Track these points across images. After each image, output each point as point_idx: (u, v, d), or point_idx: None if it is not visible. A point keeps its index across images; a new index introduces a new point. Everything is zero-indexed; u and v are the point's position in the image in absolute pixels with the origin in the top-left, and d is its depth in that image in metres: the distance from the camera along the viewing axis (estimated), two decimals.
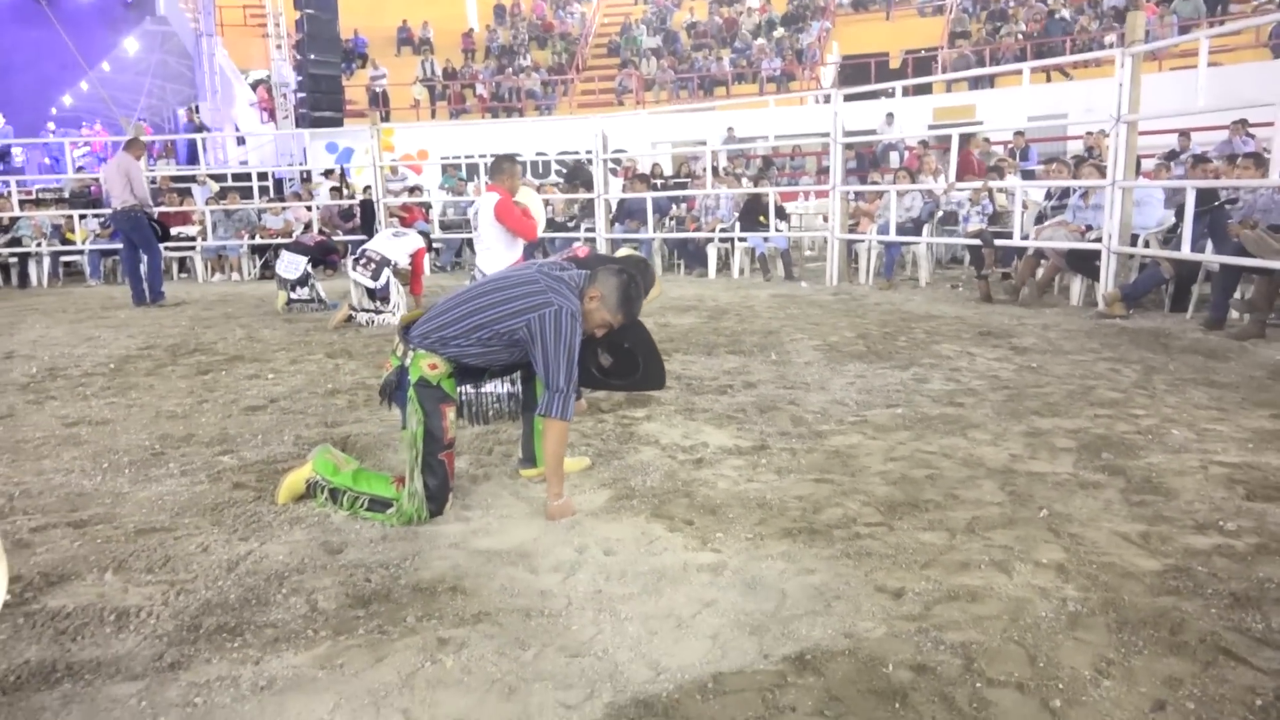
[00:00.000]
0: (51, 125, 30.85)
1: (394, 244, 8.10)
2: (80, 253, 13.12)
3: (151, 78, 32.68)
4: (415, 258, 8.25)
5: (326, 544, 2.97)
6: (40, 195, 16.15)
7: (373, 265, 7.88)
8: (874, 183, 11.25)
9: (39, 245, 12.90)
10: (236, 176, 18.78)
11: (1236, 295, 6.28)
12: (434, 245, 12.04)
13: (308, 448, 4.07)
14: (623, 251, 5.49)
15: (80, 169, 19.28)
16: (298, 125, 21.79)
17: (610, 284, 3.20)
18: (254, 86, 27.17)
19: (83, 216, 13.24)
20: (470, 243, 13.55)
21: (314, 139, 21.70)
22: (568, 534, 3.00)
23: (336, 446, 4.00)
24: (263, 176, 18.64)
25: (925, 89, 20.46)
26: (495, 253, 6.11)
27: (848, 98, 9.56)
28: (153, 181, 13.35)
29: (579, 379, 3.29)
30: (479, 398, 3.44)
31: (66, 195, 16.41)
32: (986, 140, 14.57)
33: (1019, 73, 19.38)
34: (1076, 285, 7.82)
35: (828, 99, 9.78)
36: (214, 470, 3.80)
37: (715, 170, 11.26)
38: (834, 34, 24.99)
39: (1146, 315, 7.01)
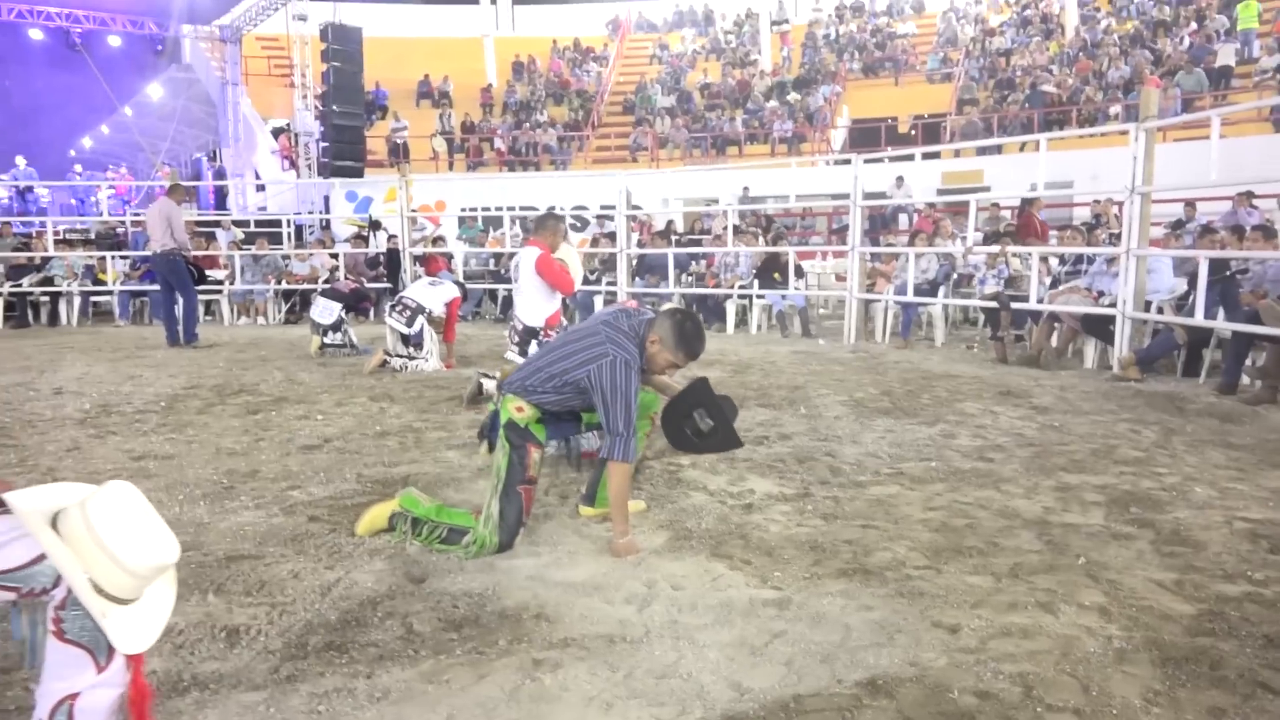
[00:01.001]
0: (79, 168, 31.38)
1: (430, 292, 8.37)
2: (110, 293, 13.41)
3: (174, 124, 33.33)
4: (450, 306, 8.50)
5: (409, 573, 3.17)
6: (67, 236, 16.49)
7: (408, 312, 8.14)
8: (890, 244, 11.56)
9: (70, 285, 13.19)
10: (260, 223, 19.18)
11: (1248, 362, 6.51)
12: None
13: (371, 485, 4.29)
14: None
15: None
16: (320, 174, 22.25)
17: (667, 326, 3.45)
18: (275, 134, 27.75)
19: (115, 258, 13.54)
20: (491, 294, 13.92)
21: (336, 188, 22.19)
22: (635, 570, 3.20)
23: (395, 485, 4.23)
24: (274, 224, 19.03)
25: (934, 154, 20.96)
26: (534, 304, 6.37)
27: (866, 160, 9.89)
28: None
29: (675, 443, 3.57)
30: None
31: (93, 236, 16.79)
32: (996, 206, 14.97)
33: (1028, 140, 19.91)
34: (1090, 349, 8.06)
35: (848, 161, 10.07)
36: (286, 504, 4.00)
37: (737, 228, 11.56)
38: (844, 98, 25.63)
39: (1160, 379, 7.24)
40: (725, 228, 11.66)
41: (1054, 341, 8.29)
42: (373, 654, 2.57)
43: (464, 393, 6.42)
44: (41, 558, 1.76)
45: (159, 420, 5.87)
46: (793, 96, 25.43)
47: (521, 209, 20.19)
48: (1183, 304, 7.63)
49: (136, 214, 18.35)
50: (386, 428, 5.61)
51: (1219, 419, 5.72)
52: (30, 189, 23.92)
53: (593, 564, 3.28)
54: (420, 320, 8.14)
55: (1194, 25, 22.23)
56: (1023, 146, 19.34)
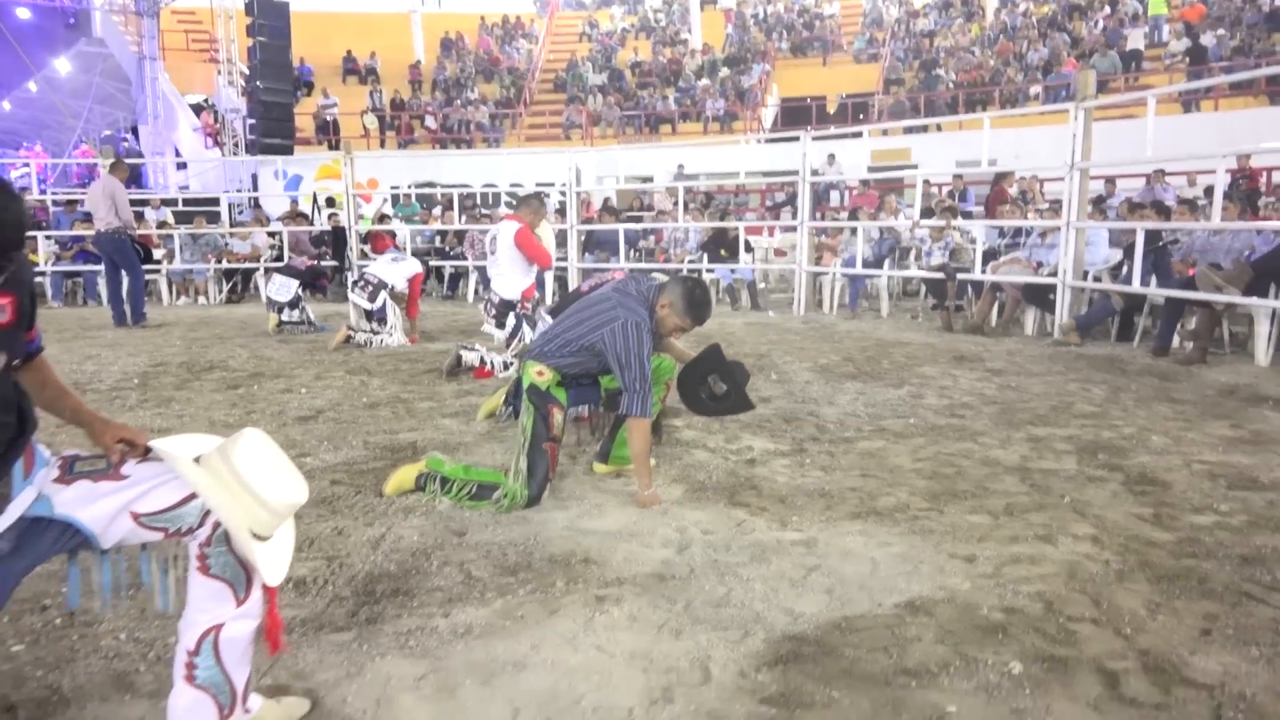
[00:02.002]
0: None
1: (392, 268, 8.40)
2: (42, 274, 13.00)
3: (88, 100, 32.05)
4: (412, 282, 8.54)
5: (449, 527, 3.33)
6: None
7: (370, 288, 8.16)
8: (833, 219, 11.93)
9: None
10: (188, 201, 18.71)
11: (1179, 326, 7.00)
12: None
13: (380, 451, 4.41)
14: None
15: (23, 189, 18.92)
16: (249, 152, 21.75)
17: (677, 292, 3.66)
18: (197, 111, 26.95)
19: (48, 238, 13.12)
20: (437, 271, 13.90)
21: (263, 166, 21.73)
22: (662, 519, 3.41)
23: (404, 451, 4.36)
24: (212, 202, 18.59)
25: (857, 133, 21.48)
26: (511, 278, 6.49)
27: (815, 138, 10.20)
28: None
29: (692, 406, 3.79)
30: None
31: None
32: (927, 182, 15.48)
33: (953, 120, 20.53)
34: (1030, 316, 8.51)
35: (795, 139, 10.38)
36: (303, 469, 4.07)
37: (686, 204, 11.78)
38: (774, 76, 26.02)
39: (1097, 344, 7.71)
40: (675, 203, 11.86)
41: (994, 310, 8.74)
42: (440, 597, 2.74)
43: (443, 365, 6.52)
44: (188, 499, 1.88)
45: (139, 396, 5.85)
46: (725, 74, 25.68)
47: (456, 186, 20.09)
48: (1116, 273, 8.12)
49: (57, 193, 17.75)
50: (374, 399, 5.70)
51: (1158, 377, 6.16)
52: None
53: (621, 514, 3.47)
54: (383, 295, 8.17)
55: (1107, 9, 23.14)
56: (941, 125, 19.93)
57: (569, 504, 3.61)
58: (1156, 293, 7.07)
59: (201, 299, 13.19)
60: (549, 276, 11.17)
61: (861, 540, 3.14)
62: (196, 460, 1.92)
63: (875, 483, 3.82)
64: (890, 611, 2.59)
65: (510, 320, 6.49)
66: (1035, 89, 20.86)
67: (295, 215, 15.31)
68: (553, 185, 19.94)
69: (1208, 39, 19.78)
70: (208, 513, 1.89)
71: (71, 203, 14.58)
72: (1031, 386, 5.88)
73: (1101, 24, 22.65)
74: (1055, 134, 16.13)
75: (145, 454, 1.96)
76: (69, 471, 1.90)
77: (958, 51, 23.76)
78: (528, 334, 6.54)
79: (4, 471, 1.79)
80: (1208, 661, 2.26)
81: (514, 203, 6.94)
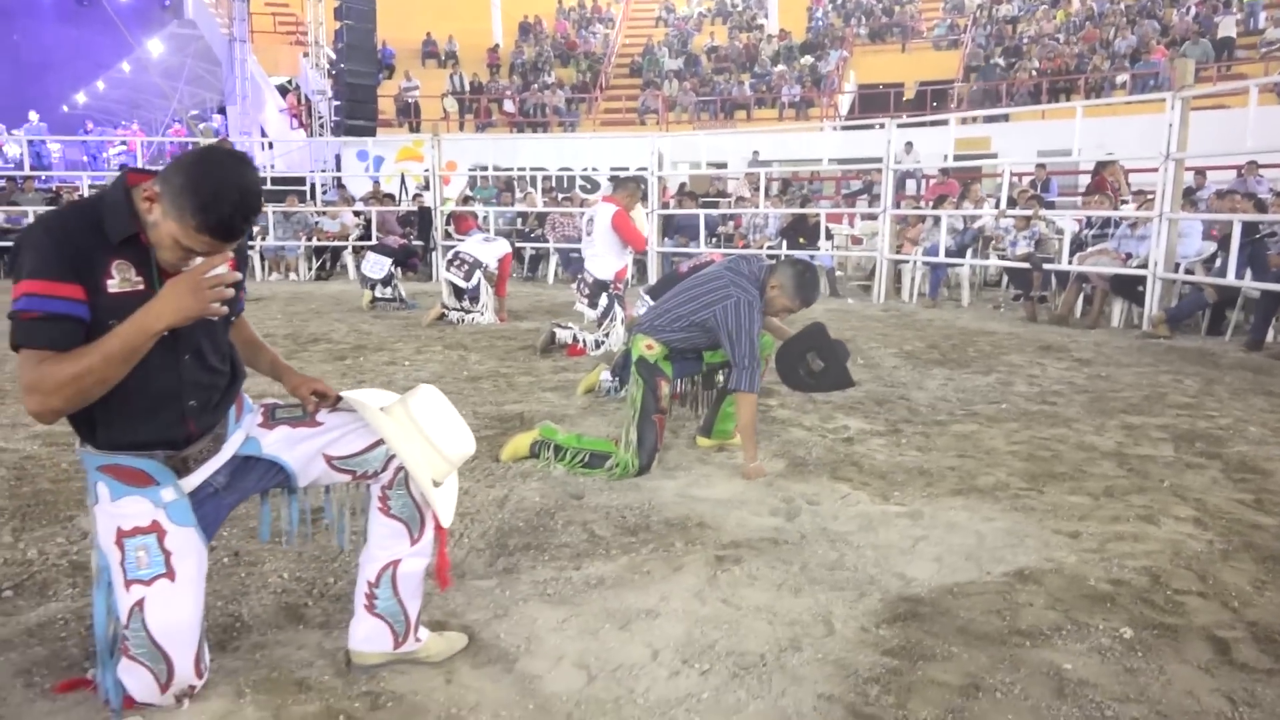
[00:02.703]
0: (90, 125, 31.20)
1: (485, 248, 8.65)
2: None
3: (180, 81, 33.12)
4: (503, 262, 8.79)
5: (567, 491, 3.53)
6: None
7: (465, 266, 8.43)
8: (911, 207, 11.88)
9: None
10: (276, 180, 19.32)
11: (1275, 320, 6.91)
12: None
13: (489, 420, 4.63)
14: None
15: (123, 166, 19.72)
16: (333, 133, 22.31)
17: (788, 274, 3.79)
18: (283, 93, 27.68)
19: None
20: (518, 253, 14.17)
21: (346, 147, 22.25)
22: (768, 490, 3.57)
23: (511, 421, 4.58)
24: (299, 181, 19.14)
25: (942, 120, 21.23)
26: (606, 259, 6.69)
27: (900, 125, 10.19)
28: None
29: (790, 382, 3.94)
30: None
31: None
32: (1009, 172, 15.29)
33: (1036, 109, 20.15)
34: (1118, 308, 8.44)
35: (879, 125, 10.38)
36: None
37: (767, 191, 11.86)
38: (851, 63, 25.80)
39: (1186, 337, 7.63)
40: (755, 189, 11.94)
41: (1080, 301, 8.67)
42: (569, 552, 2.93)
43: (537, 342, 6.74)
44: (374, 445, 2.10)
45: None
46: (801, 61, 25.54)
47: (532, 170, 20.33)
48: (1209, 265, 8.01)
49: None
50: (474, 373, 5.93)
51: (1252, 371, 6.11)
52: (43, 143, 23.87)
53: (728, 485, 3.64)
54: (478, 275, 8.43)
55: None
56: (1043, 114, 19.57)
57: (677, 474, 3.79)
58: (1252, 286, 6.98)
59: (292, 275, 13.66)
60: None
61: (965, 515, 3.27)
62: (381, 410, 2.13)
63: (973, 463, 3.92)
64: (999, 579, 2.71)
65: (603, 300, 6.69)
66: (1122, 77, 20.37)
67: (379, 195, 15.72)
68: (627, 170, 20.14)
69: None
70: (391, 458, 2.10)
71: None
72: (1122, 377, 5.89)
73: (1193, 10, 21.98)
74: (1143, 124, 15.87)
75: (335, 404, 2.18)
76: (271, 418, 2.13)
77: (1042, 38, 23.28)
78: (619, 314, 6.73)
79: (222, 416, 2.03)
80: None
81: (612, 185, 7.14)
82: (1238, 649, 2.28)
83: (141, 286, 1.83)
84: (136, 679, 1.96)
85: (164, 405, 1.92)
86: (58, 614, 2.47)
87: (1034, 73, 21.96)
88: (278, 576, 2.72)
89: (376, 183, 19.11)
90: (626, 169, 20.11)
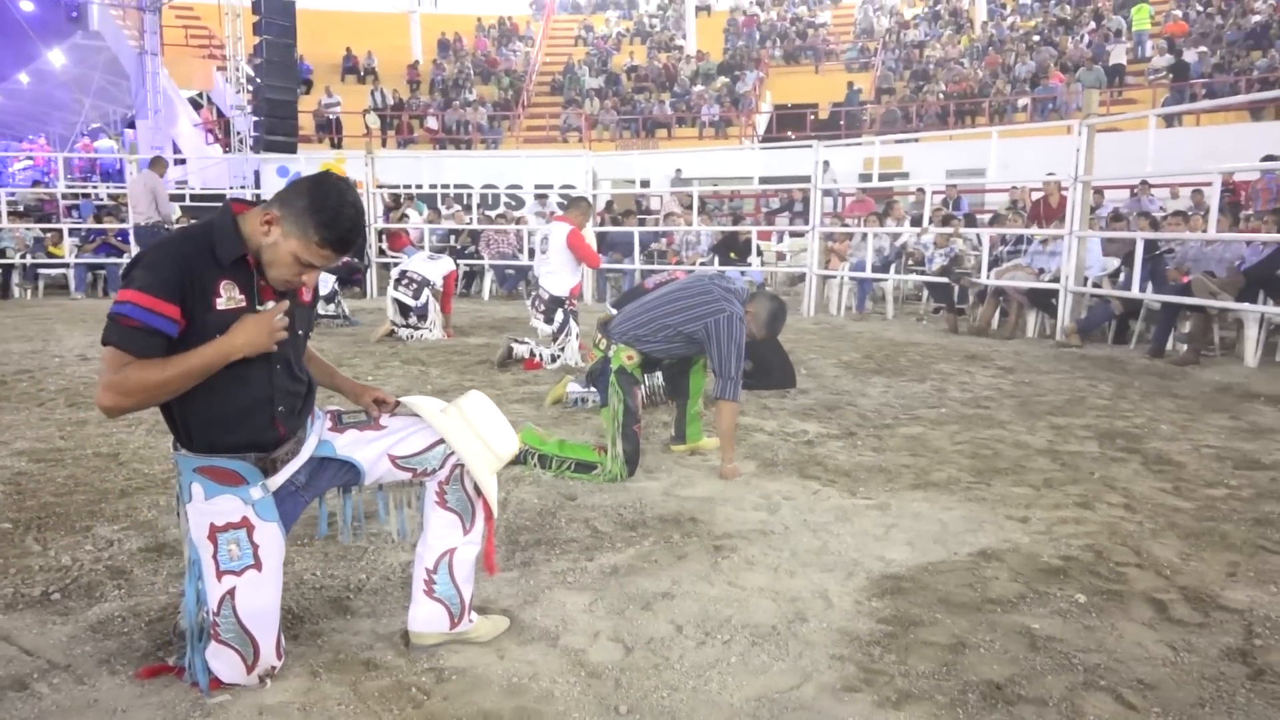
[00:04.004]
0: None
1: (431, 266, 8.81)
2: (65, 267, 13.28)
3: (89, 95, 32.09)
4: (448, 279, 8.96)
5: (561, 493, 3.79)
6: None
7: (414, 285, 8.57)
8: (833, 224, 12.43)
9: (22, 257, 13.04)
10: (195, 197, 19.01)
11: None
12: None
13: None
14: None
15: (36, 183, 19.14)
16: (253, 149, 22.01)
17: (765, 306, 4.13)
18: (196, 107, 27.16)
19: (73, 231, 13.39)
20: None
21: (266, 163, 21.96)
22: (746, 488, 3.88)
23: None
24: (218, 199, 18.86)
25: (855, 140, 22.07)
26: (559, 276, 6.96)
27: (829, 144, 10.71)
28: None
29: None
30: (650, 387, 4.33)
31: (22, 209, 16.39)
32: (921, 190, 16.05)
33: (944, 130, 21.10)
34: (1032, 319, 9.05)
35: (804, 145, 10.89)
36: None
37: (701, 207, 12.26)
38: (767, 83, 26.58)
39: (1096, 346, 8.25)
40: (688, 207, 12.33)
41: (996, 314, 9.27)
42: (578, 546, 3.19)
43: (495, 356, 6.95)
44: (433, 445, 2.33)
45: None
46: (720, 82, 26.20)
47: (456, 187, 20.40)
48: (1114, 280, 8.66)
49: (77, 187, 17.96)
50: (438, 386, 6.12)
51: (1158, 376, 6.69)
52: None
53: (708, 485, 3.94)
54: (426, 293, 8.59)
55: (1092, 25, 23.87)
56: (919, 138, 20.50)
57: (659, 475, 4.08)
58: (1154, 298, 7.62)
59: None
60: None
61: (926, 505, 3.63)
62: (441, 413, 2.37)
63: (925, 461, 4.31)
64: (966, 559, 3.07)
65: (558, 315, 6.95)
66: (1023, 101, 21.50)
67: None
68: (551, 188, 20.41)
69: (1190, 55, 20.49)
70: (448, 456, 2.34)
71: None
72: (1044, 382, 6.39)
73: (1087, 39, 23.37)
74: (1041, 145, 16.85)
75: (394, 409, 2.41)
76: (339, 422, 2.36)
77: (947, 63, 24.40)
78: (574, 329, 7.00)
79: (304, 420, 2.25)
80: (1235, 594, 2.76)
81: (564, 204, 7.39)
82: (1173, 608, 2.67)
83: (243, 304, 2.06)
84: (224, 661, 2.15)
85: (258, 411, 2.13)
86: (113, 613, 2.62)
87: (941, 95, 23.00)
88: (311, 574, 2.91)
89: (257, 200, 18.97)
90: (551, 186, 20.40)
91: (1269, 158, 10.73)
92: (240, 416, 2.11)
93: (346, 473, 2.32)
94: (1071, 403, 5.68)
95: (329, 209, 2.00)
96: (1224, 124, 18.53)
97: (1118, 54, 22.01)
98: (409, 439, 2.33)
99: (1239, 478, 4.03)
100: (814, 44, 28.03)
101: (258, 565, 2.14)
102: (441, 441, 2.33)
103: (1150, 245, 7.90)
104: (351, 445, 2.31)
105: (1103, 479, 4.01)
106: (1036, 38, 24.31)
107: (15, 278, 12.98)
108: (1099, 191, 15.01)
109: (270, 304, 2.10)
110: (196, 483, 2.12)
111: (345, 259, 10.78)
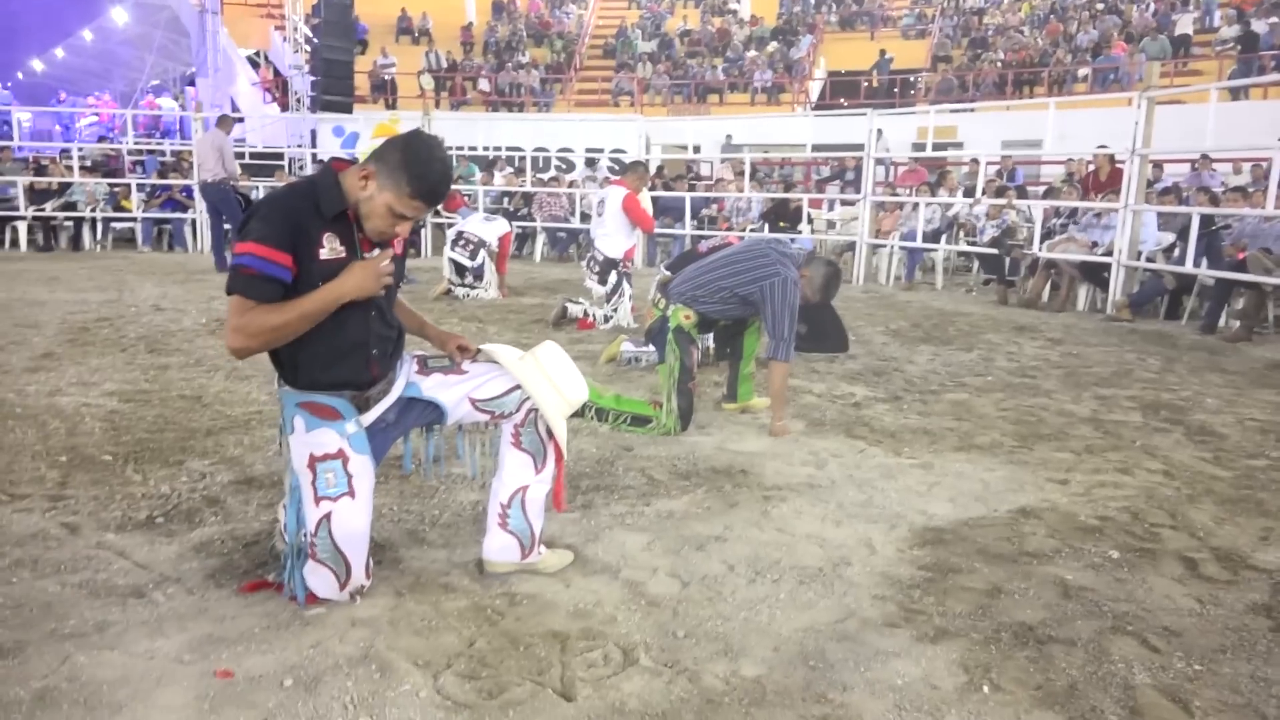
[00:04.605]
0: (63, 95, 30.73)
1: (487, 227, 9.01)
2: (134, 221, 13.72)
3: (145, 52, 32.71)
4: (503, 240, 9.15)
5: (618, 444, 3.98)
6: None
7: (470, 245, 8.79)
8: (885, 194, 12.42)
9: (93, 211, 13.48)
10: (256, 155, 19.40)
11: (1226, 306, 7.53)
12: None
13: None
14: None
15: (103, 139, 19.66)
16: (310, 109, 22.34)
17: (820, 271, 4.27)
18: (254, 66, 27.56)
19: (140, 187, 13.80)
20: None
21: (322, 123, 22.29)
22: (794, 445, 4.05)
23: None
24: (276, 157, 19.28)
25: (908, 109, 21.85)
26: (614, 239, 7.12)
27: (883, 112, 10.71)
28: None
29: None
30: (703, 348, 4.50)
31: (89, 164, 16.88)
32: (975, 161, 15.90)
33: (1000, 100, 20.79)
34: (1083, 293, 9.04)
35: (858, 114, 10.88)
36: None
37: (753, 174, 12.32)
38: (821, 50, 26.32)
39: (1147, 321, 8.24)
40: (739, 173, 12.40)
41: (1047, 286, 9.26)
42: (634, 493, 3.39)
43: (550, 315, 7.15)
44: (510, 390, 2.53)
45: None
46: (773, 47, 26.00)
47: (508, 149, 20.57)
48: (1168, 254, 8.62)
49: (141, 144, 18.42)
50: (499, 343, 6.33)
51: (1207, 352, 6.71)
52: (8, 113, 23.59)
53: (758, 441, 4.11)
54: (482, 254, 8.80)
55: None
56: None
57: (711, 431, 4.26)
58: (1208, 274, 7.59)
59: None
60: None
61: (969, 466, 3.77)
62: (518, 360, 2.56)
63: (969, 425, 4.43)
64: (1005, 515, 3.22)
65: (612, 277, 7.12)
66: (1084, 71, 21.10)
67: None
68: (601, 152, 20.48)
69: (1260, 25, 19.93)
70: (524, 401, 2.53)
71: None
72: (1091, 355, 6.45)
73: (1152, 7, 22.79)
74: (1100, 116, 16.56)
75: (475, 355, 2.61)
76: (425, 366, 2.56)
77: (1007, 30, 23.97)
78: (627, 291, 7.17)
79: (394, 363, 2.46)
80: (1266, 556, 2.88)
81: (617, 169, 7.54)
82: (1204, 566, 2.80)
83: (344, 254, 2.26)
84: (320, 579, 2.38)
85: (355, 352, 2.34)
86: (213, 536, 2.87)
87: (999, 64, 22.63)
88: (389, 509, 3.14)
89: (354, 160, 19.29)
90: (601, 150, 20.47)
91: None
92: (339, 357, 2.33)
93: (431, 413, 2.52)
94: (1118, 375, 5.74)
95: (420, 162, 2.20)
96: None
97: (1184, 23, 21.46)
98: (489, 383, 2.53)
99: None
100: (870, 9, 27.64)
101: (351, 493, 2.36)
102: (518, 386, 2.52)
103: (1206, 220, 7.85)
104: (436, 387, 2.51)
105: (1144, 447, 4.11)
106: (1100, 6, 23.74)
107: (87, 230, 13.47)
108: (1158, 165, 14.82)
109: (372, 254, 2.31)
110: (299, 416, 2.34)
111: None
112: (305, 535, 2.37)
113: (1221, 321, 7.62)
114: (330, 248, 2.25)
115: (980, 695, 2.06)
